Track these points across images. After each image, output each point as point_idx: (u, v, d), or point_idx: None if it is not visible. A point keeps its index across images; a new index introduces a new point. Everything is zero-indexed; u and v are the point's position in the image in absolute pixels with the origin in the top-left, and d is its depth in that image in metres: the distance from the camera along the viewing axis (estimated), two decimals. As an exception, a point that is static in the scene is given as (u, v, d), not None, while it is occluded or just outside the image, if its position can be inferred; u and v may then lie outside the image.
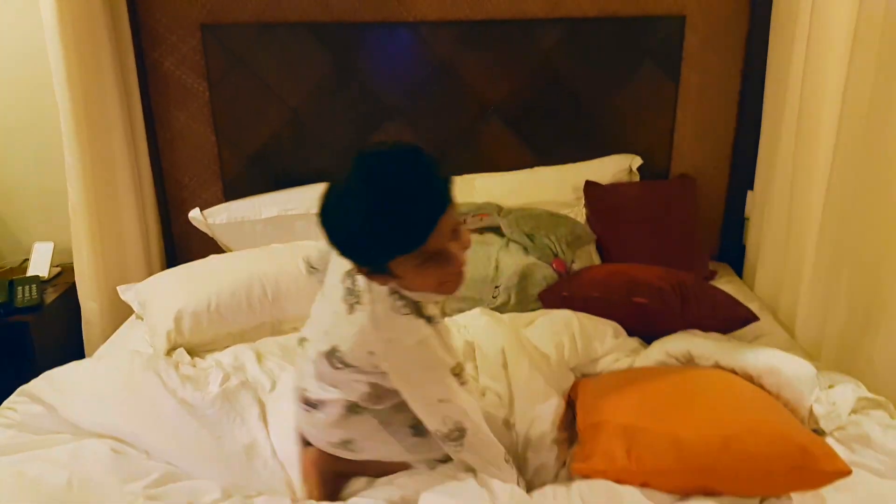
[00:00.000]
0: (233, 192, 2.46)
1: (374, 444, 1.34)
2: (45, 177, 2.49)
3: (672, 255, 2.23)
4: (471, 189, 2.39)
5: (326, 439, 1.35)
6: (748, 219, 2.50)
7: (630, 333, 1.82)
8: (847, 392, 1.51)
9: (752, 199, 2.46)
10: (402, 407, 1.26)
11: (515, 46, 2.36)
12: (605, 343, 1.75)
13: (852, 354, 1.80)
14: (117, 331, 2.09)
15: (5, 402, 1.57)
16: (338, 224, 1.09)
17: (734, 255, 2.54)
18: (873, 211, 1.80)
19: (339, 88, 2.38)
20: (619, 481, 1.26)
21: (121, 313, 2.29)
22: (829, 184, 1.93)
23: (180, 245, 2.55)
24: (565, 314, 1.84)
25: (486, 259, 2.10)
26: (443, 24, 2.32)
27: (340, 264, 1.28)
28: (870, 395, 1.52)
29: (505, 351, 1.62)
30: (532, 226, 2.17)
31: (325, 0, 2.30)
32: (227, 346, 1.87)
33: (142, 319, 2.04)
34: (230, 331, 1.92)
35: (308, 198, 2.29)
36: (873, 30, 1.72)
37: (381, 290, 1.20)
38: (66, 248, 2.48)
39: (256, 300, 1.93)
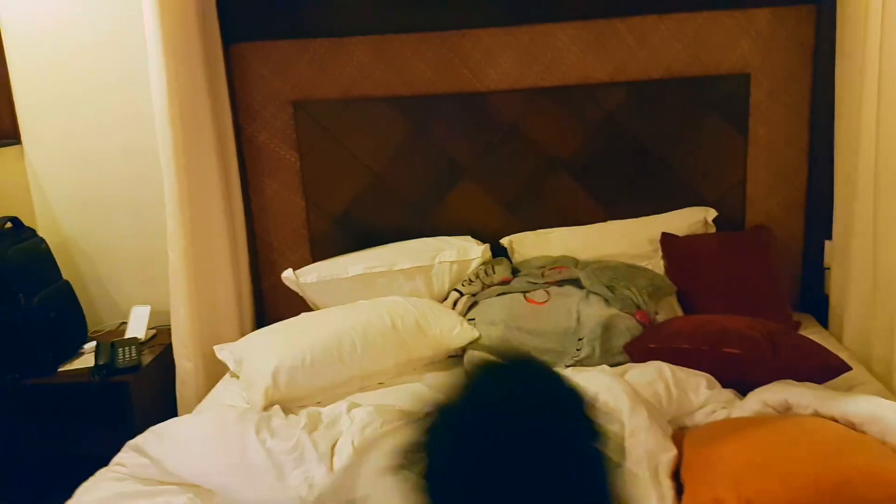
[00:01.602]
0: (319, 252, 2.58)
1: None
2: (143, 242, 2.67)
3: (753, 306, 2.21)
4: (546, 243, 2.45)
5: None
6: (828, 268, 2.47)
7: (722, 385, 1.81)
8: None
9: (831, 249, 2.44)
10: None
11: (581, 107, 2.45)
12: (700, 394, 1.74)
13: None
14: (213, 389, 2.18)
15: (116, 458, 1.66)
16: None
17: (816, 305, 2.50)
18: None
19: (415, 152, 2.51)
20: (729, 529, 1.25)
21: (215, 372, 2.40)
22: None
23: (269, 305, 2.67)
24: (657, 365, 1.84)
25: (567, 311, 2.13)
26: (513, 92, 2.44)
27: None
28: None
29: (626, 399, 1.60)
30: (611, 277, 2.20)
31: (403, 75, 2.46)
32: (319, 402, 1.94)
33: (237, 377, 2.13)
34: (323, 385, 1.98)
35: (389, 255, 2.40)
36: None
37: None
38: (161, 310, 2.64)
39: (347, 354, 2.00)
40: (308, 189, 2.57)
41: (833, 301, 2.42)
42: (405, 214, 2.56)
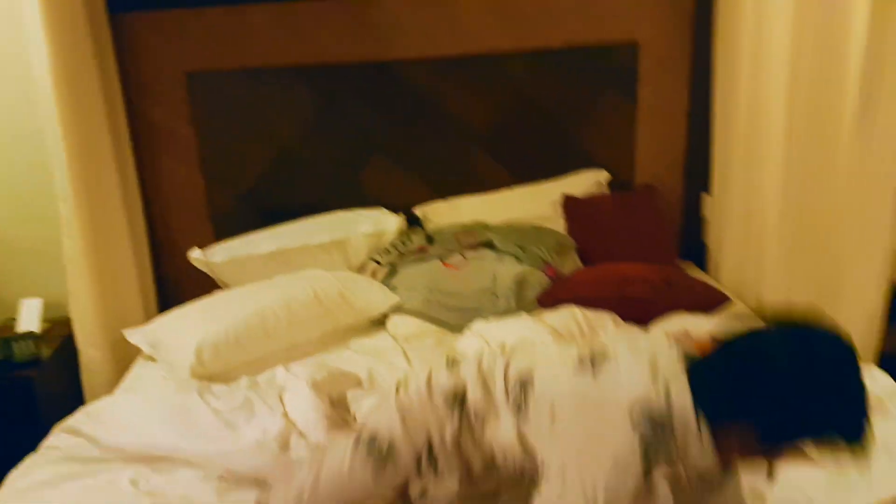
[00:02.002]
0: (223, 232, 2.51)
1: None
2: (28, 233, 2.48)
3: (644, 257, 2.41)
4: (458, 211, 2.54)
5: None
6: (706, 219, 2.74)
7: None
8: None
9: (709, 202, 2.71)
10: None
11: (489, 78, 2.54)
12: (608, 330, 1.91)
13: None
14: (128, 373, 2.09)
15: (47, 442, 1.59)
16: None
17: (696, 253, 2.77)
18: (825, 202, 2.05)
19: (326, 125, 2.50)
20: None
21: (123, 359, 2.30)
22: (785, 183, 2.18)
23: (171, 288, 2.57)
24: (567, 310, 2.00)
25: (483, 272, 2.24)
26: (421, 63, 2.48)
27: None
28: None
29: None
30: (521, 238, 2.33)
31: (308, 44, 2.42)
32: (246, 375, 1.92)
33: (154, 360, 2.06)
34: (248, 359, 1.97)
35: (303, 231, 2.39)
36: (807, 42, 2.00)
37: None
38: (53, 302, 2.49)
39: (271, 327, 1.99)
40: (208, 166, 2.49)
41: (711, 247, 2.70)
42: (316, 190, 2.54)
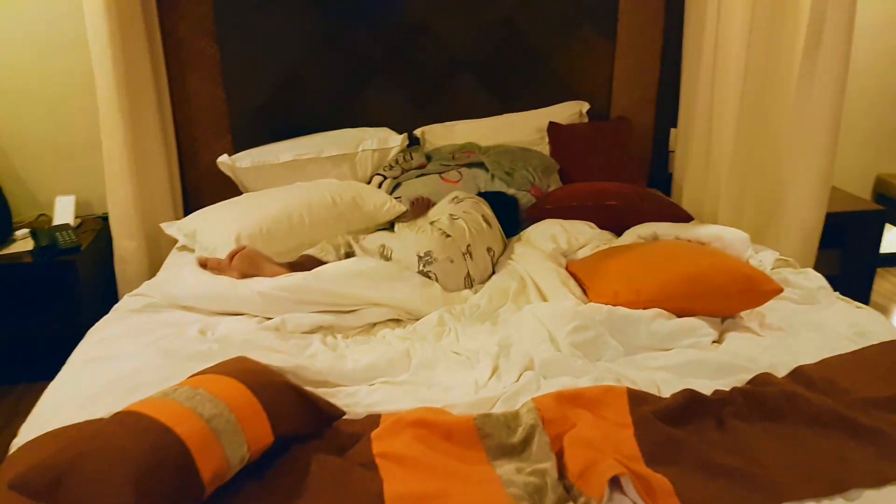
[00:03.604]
0: (241, 144, 2.76)
1: None
2: (59, 135, 2.70)
3: (617, 180, 2.76)
4: (453, 133, 2.83)
5: None
6: (672, 151, 3.09)
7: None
8: (767, 255, 2.10)
9: (675, 135, 3.05)
10: None
11: (482, 9, 2.80)
12: (586, 234, 2.26)
13: (762, 241, 2.41)
14: (165, 262, 2.35)
15: (117, 305, 1.88)
16: None
17: (661, 181, 3.13)
18: (770, 139, 2.41)
19: (331, 50, 2.74)
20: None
21: (155, 251, 2.57)
22: (738, 121, 2.52)
23: (192, 193, 2.83)
24: (550, 220, 2.33)
25: (476, 189, 2.55)
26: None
27: None
28: (783, 257, 2.11)
29: None
30: (511, 160, 2.64)
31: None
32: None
33: (190, 250, 2.33)
34: (276, 251, 2.25)
35: (316, 144, 2.66)
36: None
37: None
38: (83, 201, 2.73)
39: (296, 224, 2.28)
40: (228, 81, 2.71)
41: (676, 177, 3.05)
42: (322, 109, 2.80)
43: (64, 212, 2.64)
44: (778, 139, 2.51)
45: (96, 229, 2.64)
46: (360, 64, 2.79)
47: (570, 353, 1.59)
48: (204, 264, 2.00)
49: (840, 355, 1.62)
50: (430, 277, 1.95)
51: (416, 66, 2.83)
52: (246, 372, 1.36)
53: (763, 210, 2.59)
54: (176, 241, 2.43)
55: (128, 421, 1.16)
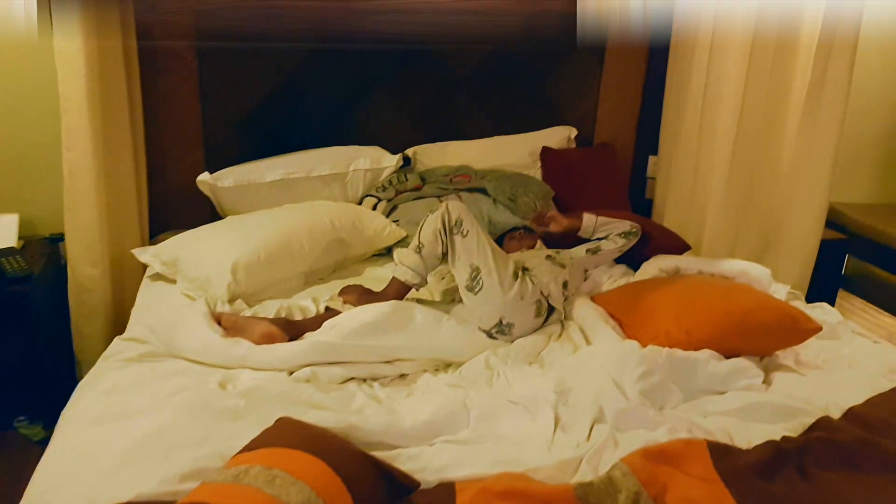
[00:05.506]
0: (215, 159, 2.50)
1: None
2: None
3: (605, 206, 2.73)
4: (445, 154, 2.71)
5: None
6: (652, 178, 3.11)
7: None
8: (780, 289, 2.11)
9: (656, 162, 3.07)
10: None
11: (481, 32, 2.70)
12: (601, 268, 2.20)
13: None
14: (139, 294, 2.07)
15: (107, 352, 1.62)
16: None
17: (642, 208, 3.13)
18: (771, 168, 2.46)
19: (323, 65, 2.55)
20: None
21: (119, 278, 2.28)
22: (734, 147, 2.56)
23: (155, 211, 2.53)
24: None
25: (480, 215, 2.44)
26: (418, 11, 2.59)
27: None
28: (793, 290, 2.14)
29: None
30: (512, 185, 2.54)
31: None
32: (271, 297, 2.01)
33: (169, 280, 2.06)
34: (275, 280, 2.05)
35: (304, 161, 2.45)
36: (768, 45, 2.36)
37: None
38: (25, 220, 2.40)
39: (296, 251, 2.08)
40: (206, 89, 2.46)
41: (657, 203, 3.07)
42: (309, 126, 2.60)
43: (6, 234, 2.29)
44: (775, 172, 2.56)
45: (45, 253, 2.31)
46: (353, 79, 2.62)
47: (639, 402, 1.50)
48: (218, 320, 1.76)
49: (883, 394, 1.64)
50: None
51: (413, 82, 2.69)
52: (316, 441, 1.19)
53: (761, 239, 2.64)
54: (143, 266, 2.16)
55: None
